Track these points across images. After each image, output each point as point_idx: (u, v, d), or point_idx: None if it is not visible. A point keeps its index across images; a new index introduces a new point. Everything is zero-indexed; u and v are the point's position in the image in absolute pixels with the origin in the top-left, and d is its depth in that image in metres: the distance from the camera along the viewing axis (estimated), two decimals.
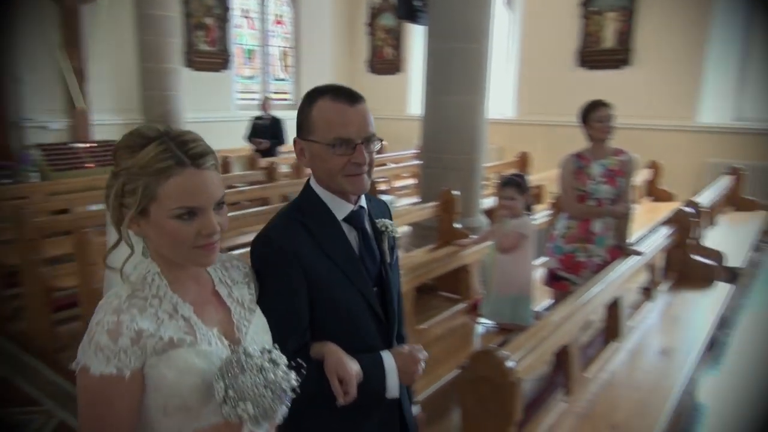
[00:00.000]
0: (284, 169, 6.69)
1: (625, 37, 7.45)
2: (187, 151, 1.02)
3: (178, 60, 7.51)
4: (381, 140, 1.39)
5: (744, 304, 4.44)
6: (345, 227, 1.36)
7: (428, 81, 4.45)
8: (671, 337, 2.99)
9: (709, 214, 4.90)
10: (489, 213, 4.56)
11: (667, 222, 3.90)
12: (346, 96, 1.29)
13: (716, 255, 3.96)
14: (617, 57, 7.51)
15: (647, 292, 3.47)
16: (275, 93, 10.03)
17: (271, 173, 6.06)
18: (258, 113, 7.66)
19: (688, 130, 7.12)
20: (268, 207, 4.45)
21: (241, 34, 9.55)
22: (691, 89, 7.09)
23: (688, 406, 2.99)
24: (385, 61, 10.26)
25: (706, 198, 4.74)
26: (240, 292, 1.19)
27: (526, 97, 8.53)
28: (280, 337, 1.19)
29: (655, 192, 6.39)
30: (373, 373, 1.29)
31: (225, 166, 6.62)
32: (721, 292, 3.62)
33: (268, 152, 7.26)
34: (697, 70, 7.03)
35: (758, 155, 6.67)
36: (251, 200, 5.35)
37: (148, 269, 1.06)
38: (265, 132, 7.36)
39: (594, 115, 3.21)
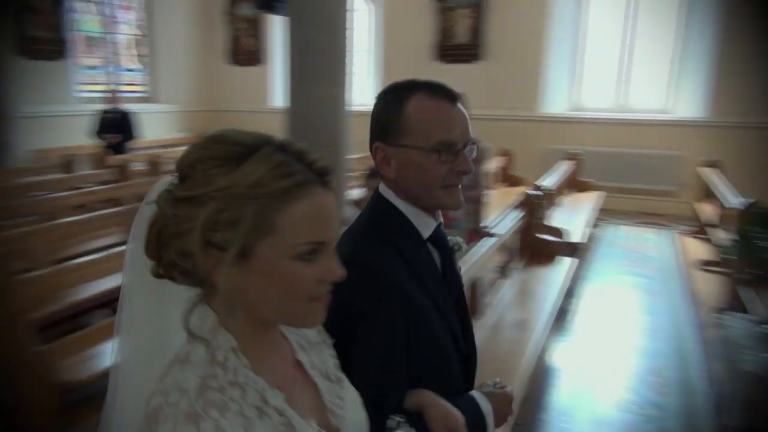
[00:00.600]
0: (138, 166, 6.23)
1: (476, 32, 7.92)
2: (310, 165, 0.75)
3: (8, 47, 6.65)
4: (477, 144, 1.17)
5: (585, 276, 4.96)
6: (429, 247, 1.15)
7: (291, 73, 4.39)
8: (525, 309, 3.26)
9: (553, 196, 5.39)
10: (358, 204, 4.63)
11: (518, 205, 4.23)
12: (445, 92, 1.10)
13: (560, 233, 4.38)
14: (470, 51, 7.96)
15: (503, 270, 3.74)
16: (126, 85, 9.30)
17: (123, 172, 5.62)
18: (105, 106, 7.04)
19: (533, 119, 7.78)
20: (121, 208, 4.12)
21: (83, 20, 8.69)
22: (534, 82, 7.74)
23: (542, 370, 3.29)
24: (246, 51, 9.95)
25: (549, 182, 5.21)
26: (320, 358, 0.89)
27: None
28: (379, 394, 0.95)
29: (507, 178, 6.89)
30: (474, 420, 1.09)
31: (68, 165, 6.02)
32: (565, 266, 4.01)
33: (118, 149, 6.72)
34: (538, 64, 7.68)
35: (592, 141, 7.47)
36: (101, 201, 4.92)
37: (218, 343, 0.74)
38: (115, 127, 6.81)
39: None
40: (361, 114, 7.23)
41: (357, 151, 4.68)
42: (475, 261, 2.93)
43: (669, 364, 3.50)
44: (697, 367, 3.44)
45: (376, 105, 1.14)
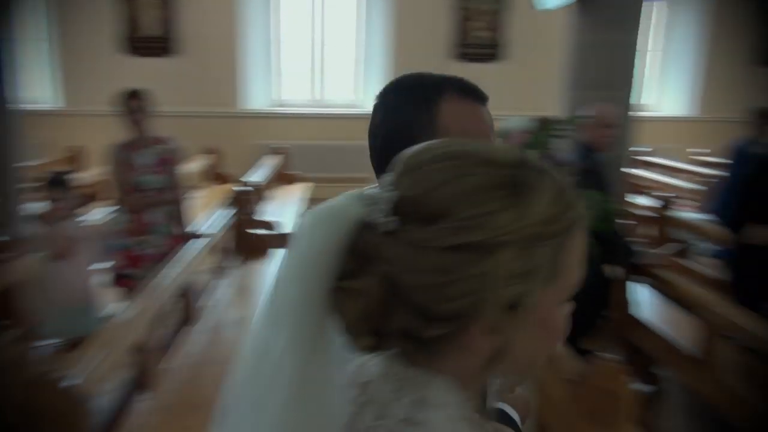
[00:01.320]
0: None
1: (167, 24, 7.48)
2: (569, 190, 0.59)
3: None
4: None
5: None
6: None
7: None
8: (244, 307, 3.26)
9: (262, 191, 5.50)
10: (45, 218, 3.99)
11: (227, 203, 4.19)
12: (474, 91, 0.90)
13: (272, 226, 4.49)
14: (161, 45, 7.50)
15: (218, 270, 3.68)
16: None
17: None
18: None
19: (235, 115, 7.77)
20: None
21: None
22: (231, 78, 7.70)
23: None
24: None
25: (257, 177, 5.30)
26: None
27: (73, 85, 7.67)
28: None
29: (216, 176, 6.78)
30: None
31: None
32: (279, 257, 4.14)
33: None
34: (234, 59, 7.66)
35: (295, 135, 7.82)
36: None
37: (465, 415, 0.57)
38: None
39: (128, 104, 3.17)
40: (37, 114, 6.25)
41: (31, 157, 4.01)
42: (180, 266, 2.81)
43: None
44: None
45: (388, 108, 0.95)
